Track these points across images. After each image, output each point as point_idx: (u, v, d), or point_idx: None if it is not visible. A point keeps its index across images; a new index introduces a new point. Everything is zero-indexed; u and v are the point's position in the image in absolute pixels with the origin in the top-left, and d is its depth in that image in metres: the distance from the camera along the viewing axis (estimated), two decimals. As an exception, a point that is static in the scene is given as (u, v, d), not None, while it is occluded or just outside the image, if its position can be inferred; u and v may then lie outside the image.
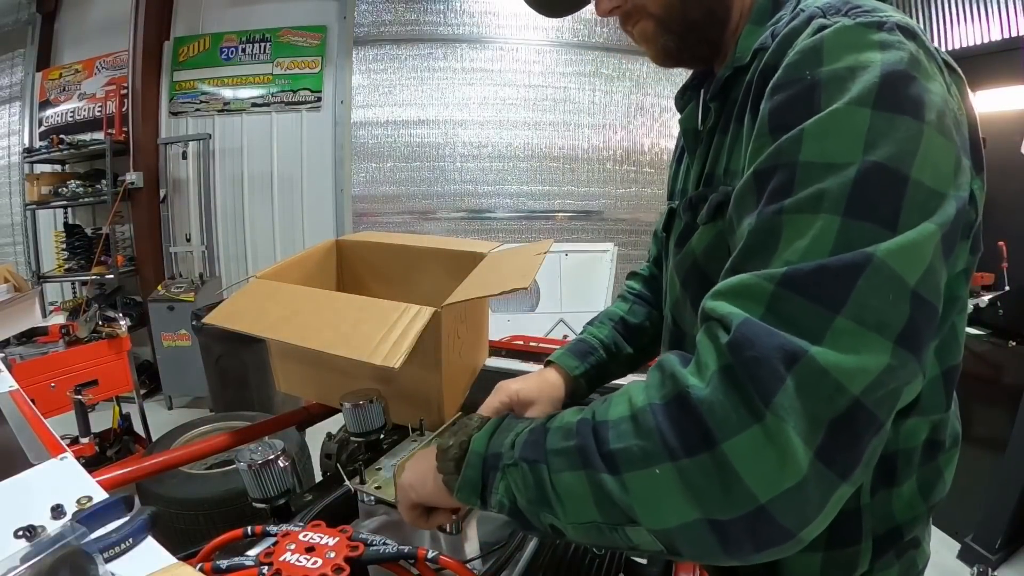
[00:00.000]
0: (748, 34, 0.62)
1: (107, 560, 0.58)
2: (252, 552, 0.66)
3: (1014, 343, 2.24)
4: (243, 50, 4.36)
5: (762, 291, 0.43)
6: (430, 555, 0.65)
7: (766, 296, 0.43)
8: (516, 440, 0.55)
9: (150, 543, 0.62)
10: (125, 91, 4.35)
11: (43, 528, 0.62)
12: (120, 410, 2.73)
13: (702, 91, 0.71)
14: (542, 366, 0.90)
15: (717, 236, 0.63)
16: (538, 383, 0.84)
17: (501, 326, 2.54)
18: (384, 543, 0.65)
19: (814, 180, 0.45)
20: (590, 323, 0.98)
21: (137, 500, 0.70)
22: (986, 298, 2.51)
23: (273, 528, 0.69)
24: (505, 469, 0.54)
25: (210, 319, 1.03)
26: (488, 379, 0.84)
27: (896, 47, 0.47)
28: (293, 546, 0.63)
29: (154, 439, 2.45)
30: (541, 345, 1.81)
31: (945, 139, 0.47)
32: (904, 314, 0.42)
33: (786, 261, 0.44)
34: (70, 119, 4.58)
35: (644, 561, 0.77)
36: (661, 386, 0.46)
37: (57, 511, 0.65)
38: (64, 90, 4.61)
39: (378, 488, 0.84)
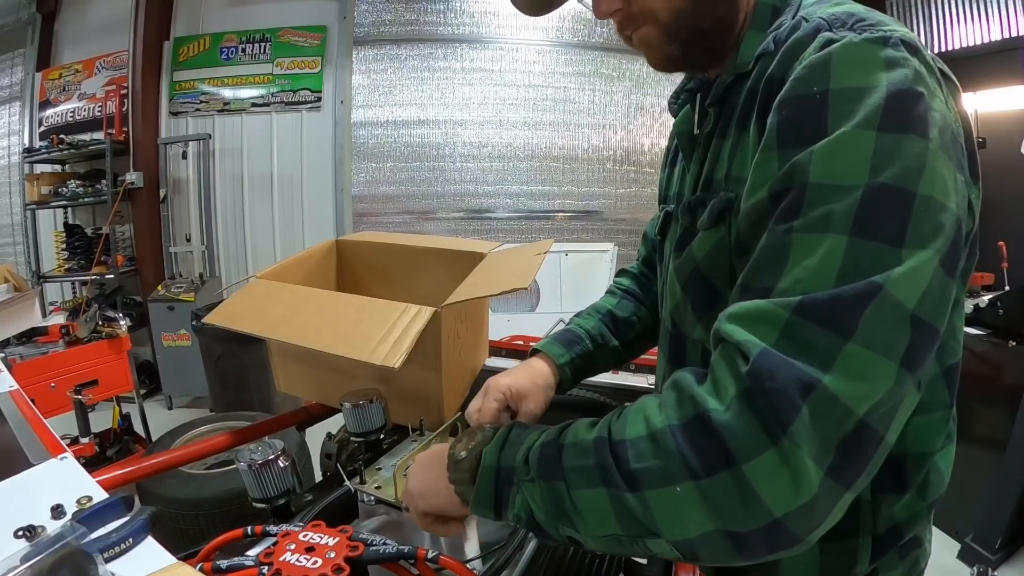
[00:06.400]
0: (750, 40, 0.62)
1: (107, 560, 0.58)
2: (252, 552, 0.66)
3: (1014, 343, 2.24)
4: (243, 50, 4.36)
5: (777, 318, 0.46)
6: (430, 555, 0.65)
7: (781, 323, 0.45)
8: (530, 455, 0.56)
9: (150, 543, 0.62)
10: (125, 91, 4.35)
11: (43, 528, 0.62)
12: (120, 410, 2.73)
13: (698, 95, 0.70)
14: (528, 356, 0.91)
15: (719, 242, 0.63)
16: (527, 374, 0.85)
17: (501, 326, 2.53)
18: (384, 543, 0.65)
19: (823, 201, 0.47)
20: (577, 315, 0.99)
21: (137, 500, 0.70)
22: (986, 298, 2.51)
23: (273, 528, 0.69)
24: (521, 484, 0.56)
25: (210, 319, 1.03)
26: (488, 379, 0.84)
27: (901, 64, 0.48)
28: (293, 546, 0.63)
29: (154, 439, 2.45)
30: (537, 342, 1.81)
31: (947, 157, 0.48)
32: (906, 336, 0.45)
33: (796, 279, 0.46)
34: (70, 119, 4.58)
35: (644, 561, 0.78)
36: (679, 406, 0.48)
37: (57, 511, 0.65)
38: (64, 90, 4.61)
39: (378, 488, 0.84)
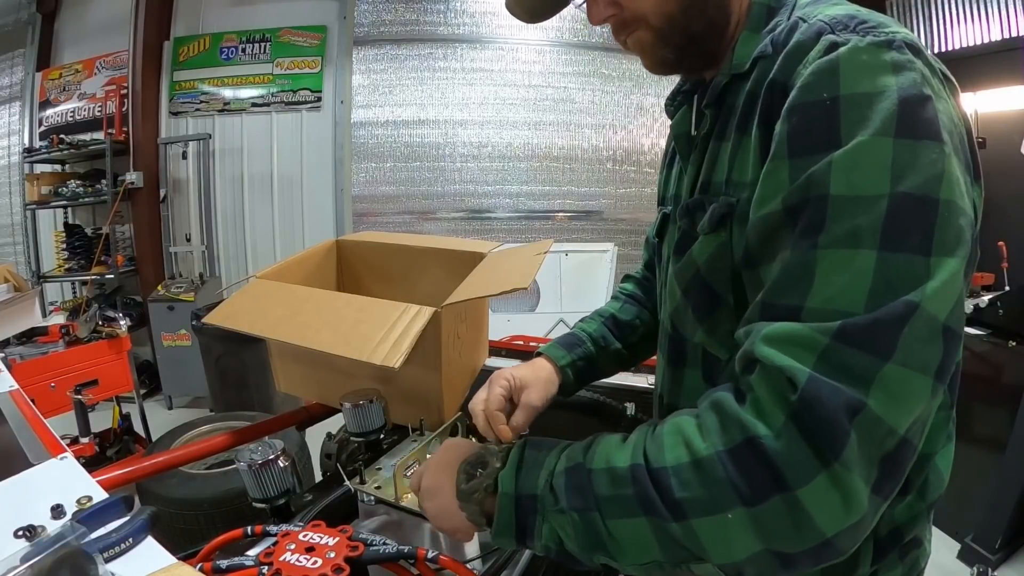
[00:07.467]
0: (745, 41, 0.62)
1: (107, 560, 0.58)
2: (252, 552, 0.66)
3: (1014, 343, 2.24)
4: (243, 50, 4.36)
5: (815, 343, 0.45)
6: (430, 555, 0.65)
7: (820, 347, 0.45)
8: (554, 483, 0.55)
9: (150, 543, 0.62)
10: (125, 91, 4.34)
11: (43, 528, 0.62)
12: (120, 410, 2.72)
13: (695, 97, 0.70)
14: (532, 359, 0.92)
15: (720, 246, 0.62)
16: (531, 370, 0.86)
17: (501, 326, 2.53)
18: (384, 543, 0.65)
19: (847, 215, 0.46)
20: (581, 320, 1.00)
21: (137, 500, 0.70)
22: (986, 298, 2.51)
23: (273, 528, 0.69)
24: (547, 514, 0.55)
25: (210, 319, 1.03)
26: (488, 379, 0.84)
27: (908, 68, 0.48)
28: (293, 546, 0.63)
29: (154, 439, 2.45)
30: (541, 345, 1.81)
31: (958, 159, 0.49)
32: (940, 350, 0.46)
33: (826, 298, 0.46)
34: (70, 119, 4.58)
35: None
36: (723, 431, 0.48)
37: (57, 511, 0.65)
38: (64, 90, 4.60)
39: (378, 488, 0.84)
